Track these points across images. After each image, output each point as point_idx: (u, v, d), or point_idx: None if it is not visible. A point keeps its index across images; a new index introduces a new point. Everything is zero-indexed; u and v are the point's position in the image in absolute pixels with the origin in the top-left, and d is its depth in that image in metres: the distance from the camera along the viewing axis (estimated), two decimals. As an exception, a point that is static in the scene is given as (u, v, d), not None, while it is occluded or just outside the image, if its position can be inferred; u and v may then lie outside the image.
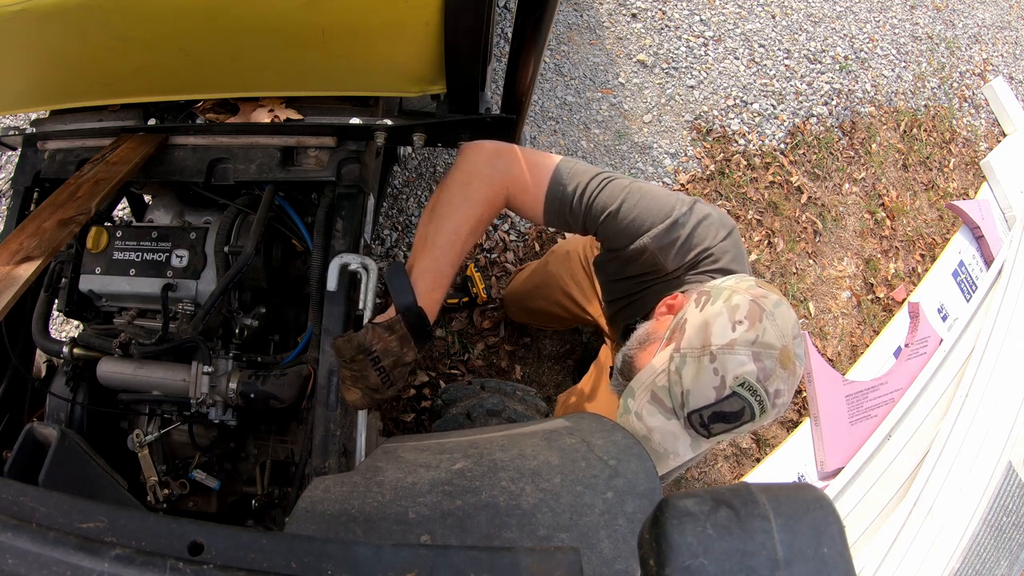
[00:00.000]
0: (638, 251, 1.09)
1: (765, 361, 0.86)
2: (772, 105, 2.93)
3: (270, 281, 1.25)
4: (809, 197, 2.80)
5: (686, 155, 2.66)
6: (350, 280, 1.11)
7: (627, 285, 1.20)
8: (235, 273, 1.10)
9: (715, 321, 0.89)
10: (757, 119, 2.86)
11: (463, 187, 1.04)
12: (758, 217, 2.66)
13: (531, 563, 0.49)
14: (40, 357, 1.38)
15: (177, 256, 1.18)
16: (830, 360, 2.55)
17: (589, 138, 2.60)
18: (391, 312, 0.99)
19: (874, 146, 3.09)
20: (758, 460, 2.29)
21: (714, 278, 1.06)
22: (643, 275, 1.15)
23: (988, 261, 2.79)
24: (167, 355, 1.16)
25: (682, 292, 1.05)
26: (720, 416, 0.89)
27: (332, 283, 1.04)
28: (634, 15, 2.94)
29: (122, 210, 1.83)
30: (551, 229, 2.34)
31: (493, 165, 1.06)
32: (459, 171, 1.06)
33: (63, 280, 1.24)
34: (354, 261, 1.04)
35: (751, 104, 2.89)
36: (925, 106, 3.37)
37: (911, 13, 3.69)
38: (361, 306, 1.04)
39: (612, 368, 1.11)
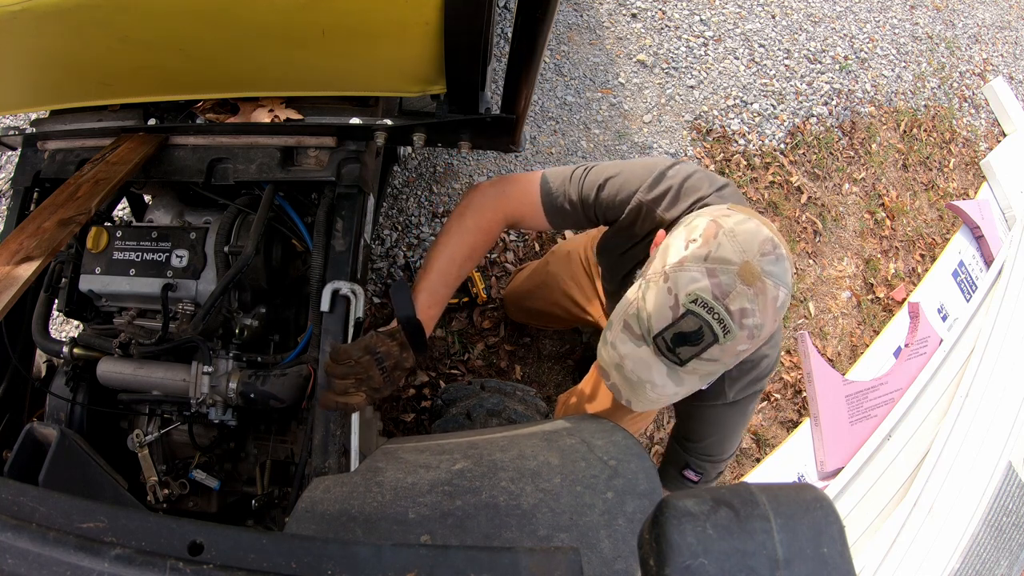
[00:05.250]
0: (635, 210, 1.12)
1: (721, 277, 0.83)
2: (772, 105, 2.93)
3: (270, 281, 1.24)
4: (809, 197, 2.80)
5: (686, 155, 2.66)
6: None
7: (636, 251, 1.21)
8: (235, 273, 1.10)
9: (673, 243, 0.90)
10: (757, 119, 2.86)
11: (459, 218, 1.18)
12: (758, 217, 2.66)
13: (531, 563, 0.49)
14: (40, 357, 1.38)
15: (177, 256, 1.18)
16: (830, 360, 2.55)
17: (589, 138, 2.60)
18: (393, 324, 1.10)
19: (874, 146, 3.08)
20: (758, 460, 2.29)
21: None
22: (648, 236, 1.16)
23: (988, 261, 2.79)
24: (167, 355, 1.16)
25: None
26: (682, 337, 0.86)
27: (325, 305, 1.14)
28: (634, 15, 2.94)
29: (122, 210, 1.83)
30: (551, 230, 2.33)
31: (484, 194, 1.19)
32: (458, 206, 1.20)
33: (63, 280, 1.24)
34: (344, 287, 1.14)
35: (751, 104, 2.89)
36: (925, 106, 3.37)
37: (911, 13, 3.69)
38: (353, 320, 1.14)
39: None
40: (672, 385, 0.91)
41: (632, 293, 0.95)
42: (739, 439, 1.25)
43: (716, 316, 0.83)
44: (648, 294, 0.89)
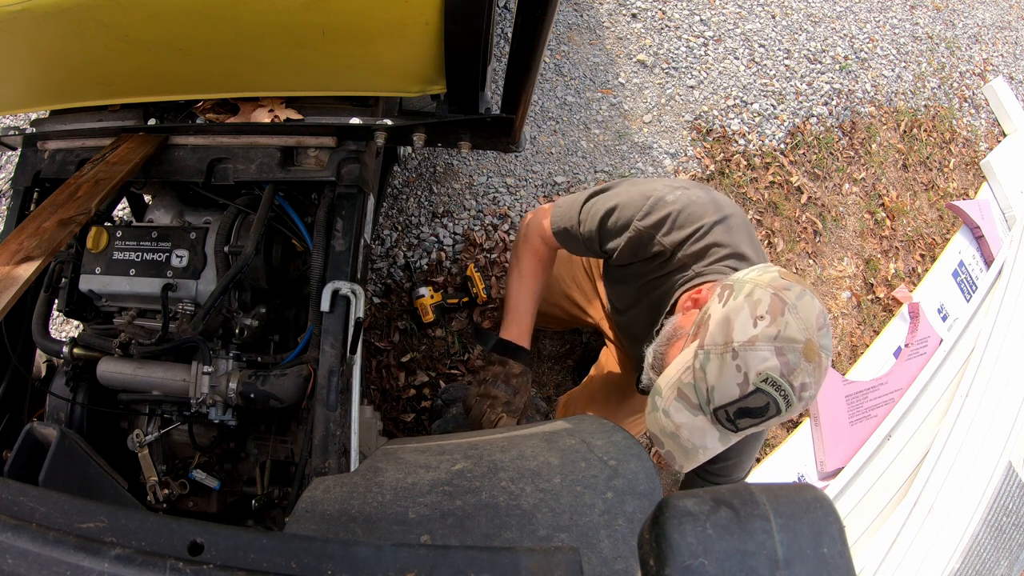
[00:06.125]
0: (634, 239, 1.14)
1: (788, 356, 0.86)
2: (772, 105, 2.93)
3: (270, 281, 1.24)
4: (809, 197, 2.80)
5: (686, 155, 2.66)
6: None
7: (637, 280, 1.21)
8: (235, 273, 1.10)
9: (737, 317, 0.90)
10: (757, 119, 2.86)
11: (514, 252, 1.39)
12: (758, 217, 2.66)
13: (531, 563, 0.49)
14: (40, 357, 1.38)
15: (177, 256, 1.18)
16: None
17: (589, 138, 2.60)
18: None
19: (874, 146, 3.08)
20: (758, 460, 2.29)
21: (733, 268, 1.06)
22: (650, 265, 1.16)
23: (988, 261, 2.79)
24: (167, 355, 1.16)
25: (706, 284, 1.06)
26: (745, 412, 0.89)
27: (325, 305, 1.14)
28: (634, 15, 2.94)
29: (122, 210, 1.83)
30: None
31: (526, 225, 1.37)
32: (513, 246, 1.42)
33: (63, 280, 1.24)
34: (344, 287, 1.15)
35: (751, 104, 2.89)
36: (925, 106, 3.37)
37: (911, 13, 3.69)
38: (353, 320, 1.15)
39: (639, 366, 1.14)
40: (720, 447, 0.95)
41: (685, 360, 0.96)
42: (752, 462, 1.29)
43: (782, 393, 0.86)
44: (710, 367, 0.90)
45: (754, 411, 0.88)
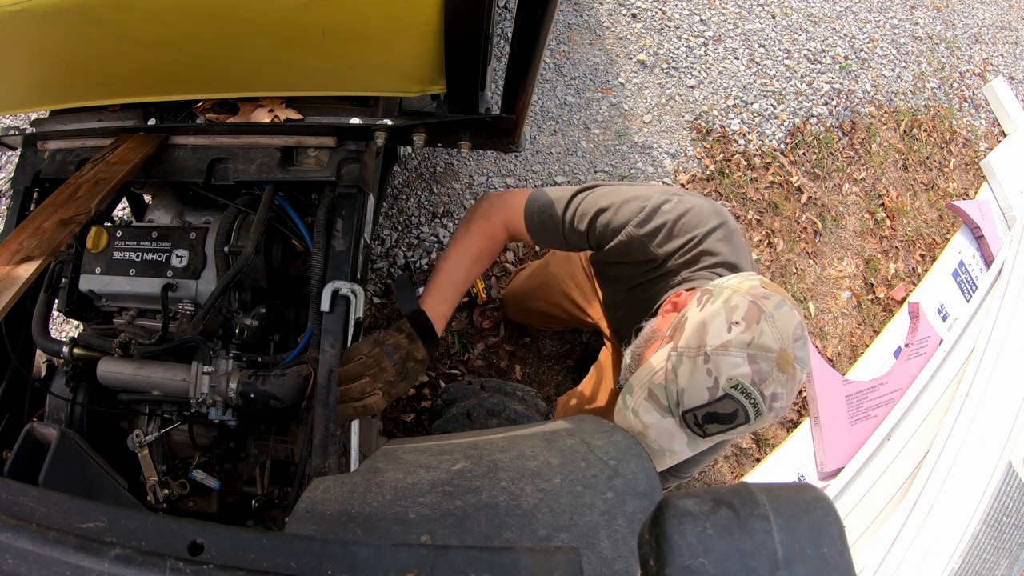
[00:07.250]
0: (626, 243, 1.13)
1: (761, 364, 0.85)
2: (772, 105, 2.93)
3: (270, 281, 1.24)
4: (809, 197, 2.80)
5: (686, 155, 2.66)
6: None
7: (626, 282, 1.21)
8: (235, 273, 1.10)
9: (712, 321, 0.89)
10: (757, 119, 2.86)
11: (464, 224, 1.24)
12: (758, 217, 2.66)
13: (531, 563, 0.49)
14: (40, 357, 1.38)
15: (177, 256, 1.18)
16: (830, 360, 2.55)
17: (589, 138, 2.60)
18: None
19: (874, 146, 3.08)
20: (758, 460, 2.29)
21: (719, 275, 1.06)
22: (639, 268, 1.16)
23: (988, 261, 2.79)
24: (167, 355, 1.16)
25: (687, 290, 1.06)
26: (714, 417, 0.89)
27: (325, 305, 1.14)
28: (634, 15, 2.94)
29: (122, 210, 1.83)
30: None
31: (490, 202, 1.25)
32: (466, 215, 1.26)
33: (63, 280, 1.24)
34: (344, 287, 1.14)
35: (751, 104, 2.89)
36: (925, 106, 3.37)
37: (911, 13, 3.69)
38: (353, 320, 1.14)
39: (621, 367, 1.13)
40: (688, 452, 0.94)
41: (658, 361, 0.95)
42: (705, 466, 1.28)
43: (752, 401, 0.86)
44: (681, 369, 0.90)
45: (722, 417, 0.88)
